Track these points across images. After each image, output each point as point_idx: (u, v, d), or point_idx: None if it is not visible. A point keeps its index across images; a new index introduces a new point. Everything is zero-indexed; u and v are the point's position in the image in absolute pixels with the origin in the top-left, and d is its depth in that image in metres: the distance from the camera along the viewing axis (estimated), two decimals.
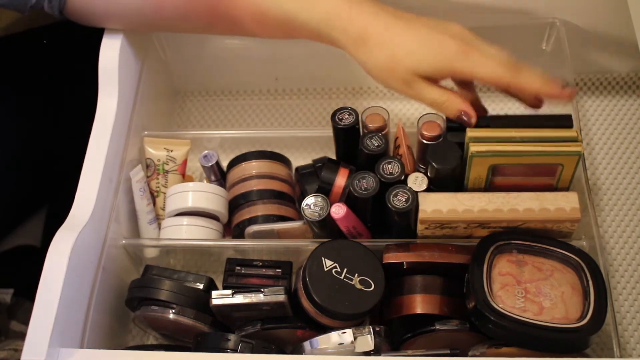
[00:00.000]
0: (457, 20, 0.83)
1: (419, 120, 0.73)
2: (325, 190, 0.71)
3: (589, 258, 0.67)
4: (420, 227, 0.69)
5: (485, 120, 0.70)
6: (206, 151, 0.80)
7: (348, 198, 0.70)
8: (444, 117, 0.71)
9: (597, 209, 0.83)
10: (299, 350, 0.66)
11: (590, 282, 0.65)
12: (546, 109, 0.83)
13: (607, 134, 0.90)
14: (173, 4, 0.70)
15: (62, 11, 0.71)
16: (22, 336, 0.59)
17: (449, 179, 0.69)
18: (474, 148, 0.67)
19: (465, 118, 0.66)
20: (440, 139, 0.72)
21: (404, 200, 0.67)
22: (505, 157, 0.67)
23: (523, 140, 0.67)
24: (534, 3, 0.83)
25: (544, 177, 0.70)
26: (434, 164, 0.67)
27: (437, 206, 0.68)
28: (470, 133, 0.67)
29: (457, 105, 0.66)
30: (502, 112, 0.93)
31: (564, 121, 0.70)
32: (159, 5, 0.70)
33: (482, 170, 0.69)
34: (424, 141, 0.73)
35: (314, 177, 0.78)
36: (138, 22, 0.74)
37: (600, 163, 0.88)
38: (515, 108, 0.92)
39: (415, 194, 0.68)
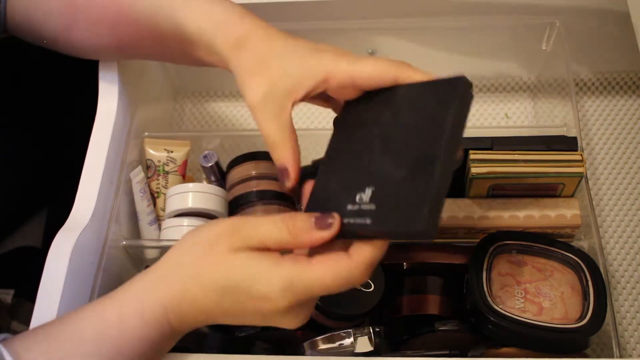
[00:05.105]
0: (457, 20, 0.83)
1: None
2: None
3: (588, 258, 0.67)
4: None
5: (489, 142, 0.69)
6: (206, 152, 0.80)
7: None
8: None
9: (597, 209, 0.84)
10: (299, 351, 0.66)
11: (590, 283, 0.65)
12: (547, 119, 0.83)
13: (607, 134, 0.90)
14: (81, 25, 0.67)
15: (5, 27, 0.68)
16: None
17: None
18: (474, 170, 0.67)
19: (283, 177, 0.56)
20: None
21: None
22: (505, 178, 0.67)
23: (525, 161, 0.67)
24: (534, 3, 0.83)
25: (544, 191, 0.70)
26: None
27: None
28: (473, 155, 0.67)
29: (287, 157, 0.56)
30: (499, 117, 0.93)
31: (569, 144, 0.69)
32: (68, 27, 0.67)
33: (482, 189, 0.69)
34: None
35: (314, 178, 0.78)
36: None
37: (600, 163, 0.88)
38: (512, 122, 0.93)
39: None
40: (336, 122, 0.59)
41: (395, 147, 0.51)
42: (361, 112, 0.56)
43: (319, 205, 0.54)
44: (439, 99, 0.50)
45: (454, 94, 0.50)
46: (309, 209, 0.55)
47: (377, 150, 0.52)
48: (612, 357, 0.63)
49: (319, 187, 0.55)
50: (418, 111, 0.51)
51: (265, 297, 0.49)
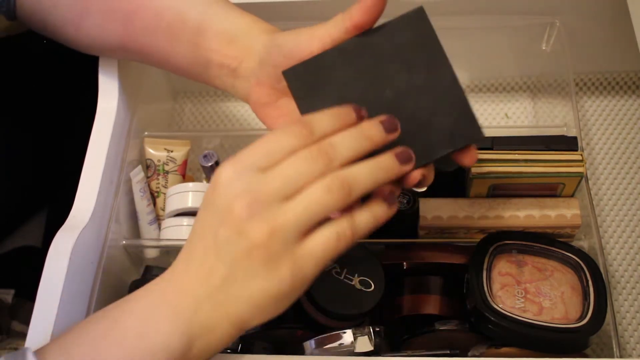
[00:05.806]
0: (457, 20, 0.83)
1: None
2: None
3: (588, 258, 0.67)
4: (420, 233, 0.70)
5: (489, 142, 0.69)
6: (206, 151, 0.80)
7: None
8: None
9: (597, 209, 0.84)
10: (299, 350, 0.66)
11: (590, 282, 0.65)
12: (547, 119, 0.83)
13: (607, 134, 0.90)
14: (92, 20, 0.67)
15: (15, 14, 0.68)
16: (23, 336, 0.59)
17: (450, 181, 0.69)
18: (474, 170, 0.67)
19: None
20: None
21: (405, 202, 0.67)
22: (505, 178, 0.67)
23: (525, 161, 0.67)
24: (534, 3, 0.83)
25: (544, 191, 0.70)
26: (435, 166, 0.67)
27: (437, 212, 0.68)
28: None
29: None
30: (500, 119, 0.93)
31: (569, 144, 0.69)
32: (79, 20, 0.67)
33: (483, 189, 0.69)
34: None
35: None
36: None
37: (600, 163, 0.88)
38: (512, 122, 0.93)
39: (416, 195, 0.68)
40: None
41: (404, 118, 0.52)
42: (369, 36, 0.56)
43: (312, 74, 0.56)
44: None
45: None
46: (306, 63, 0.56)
47: (387, 97, 0.54)
48: (612, 357, 0.63)
49: (327, 57, 0.56)
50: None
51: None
